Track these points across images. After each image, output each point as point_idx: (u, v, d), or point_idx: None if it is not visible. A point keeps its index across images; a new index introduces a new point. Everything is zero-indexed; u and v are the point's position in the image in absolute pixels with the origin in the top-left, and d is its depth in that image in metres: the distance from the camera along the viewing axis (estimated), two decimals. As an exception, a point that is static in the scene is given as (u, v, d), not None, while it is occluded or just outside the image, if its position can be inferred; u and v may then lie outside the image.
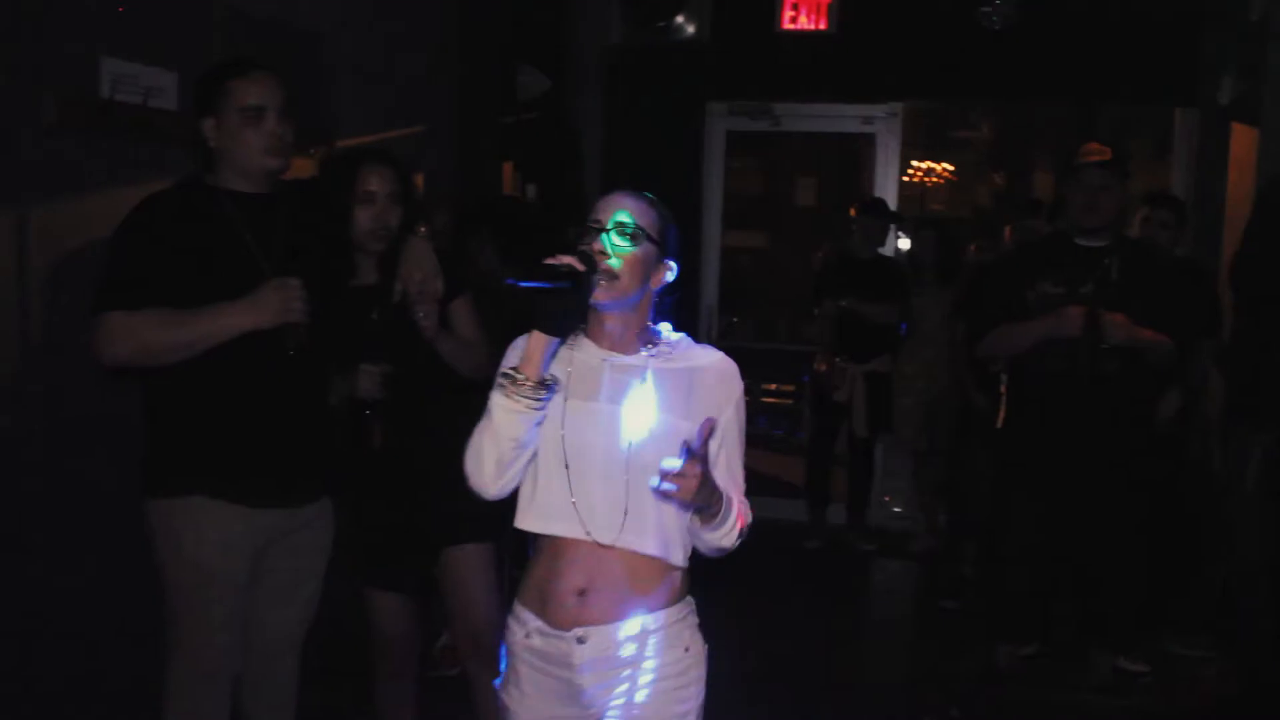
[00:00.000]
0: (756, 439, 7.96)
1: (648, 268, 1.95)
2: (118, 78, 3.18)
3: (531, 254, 1.90)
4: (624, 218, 1.92)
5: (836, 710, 4.01)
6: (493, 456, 1.90)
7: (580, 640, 1.91)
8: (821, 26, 6.29)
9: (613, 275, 1.88)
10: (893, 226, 6.20)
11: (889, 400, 5.78)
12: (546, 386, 1.87)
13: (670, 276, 2.01)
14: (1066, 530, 3.95)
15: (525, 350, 1.88)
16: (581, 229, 1.95)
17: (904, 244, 6.86)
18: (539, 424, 1.90)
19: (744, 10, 6.42)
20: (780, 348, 8.13)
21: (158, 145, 3.24)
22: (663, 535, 1.91)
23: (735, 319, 7.46)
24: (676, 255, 2.02)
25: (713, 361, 2.00)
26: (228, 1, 3.52)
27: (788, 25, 6.35)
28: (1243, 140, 5.21)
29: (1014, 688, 4.10)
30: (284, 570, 2.71)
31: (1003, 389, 4.62)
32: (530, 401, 1.86)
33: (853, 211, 5.98)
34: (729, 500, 1.89)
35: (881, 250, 6.07)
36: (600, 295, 1.88)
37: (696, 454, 1.75)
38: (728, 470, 1.95)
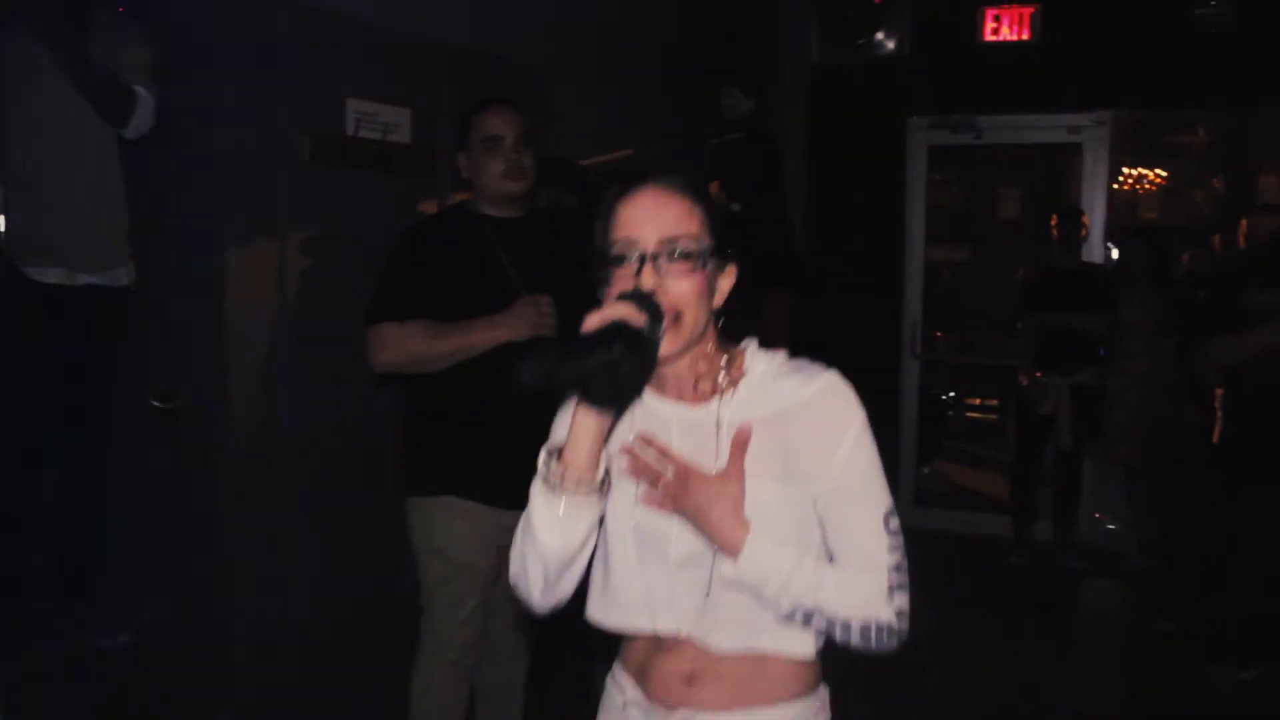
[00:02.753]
0: (957, 454, 7.93)
1: (711, 288, 1.53)
2: (361, 116, 3.53)
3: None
4: (671, 233, 1.48)
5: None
6: (538, 571, 1.54)
7: None
8: (1024, 37, 6.24)
9: (677, 314, 1.47)
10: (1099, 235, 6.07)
11: (1096, 414, 5.65)
12: (600, 486, 1.49)
13: (732, 284, 1.58)
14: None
15: (571, 436, 1.47)
16: (608, 258, 1.51)
17: (1112, 253, 6.69)
18: (595, 526, 1.53)
19: (945, 23, 6.42)
20: (983, 362, 8.03)
21: (395, 176, 3.57)
22: (750, 626, 1.54)
23: (940, 334, 7.41)
24: (737, 246, 1.58)
25: (812, 393, 1.52)
26: (452, 42, 3.83)
27: (989, 37, 6.32)
28: None
29: (1232, 710, 3.98)
30: None
31: (1218, 403, 4.50)
32: (577, 505, 1.48)
33: (1054, 220, 5.89)
34: (771, 551, 1.49)
35: (1089, 259, 5.95)
36: (668, 344, 1.47)
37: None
38: (839, 534, 1.53)
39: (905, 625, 1.51)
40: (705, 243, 1.49)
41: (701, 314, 1.50)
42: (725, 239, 1.54)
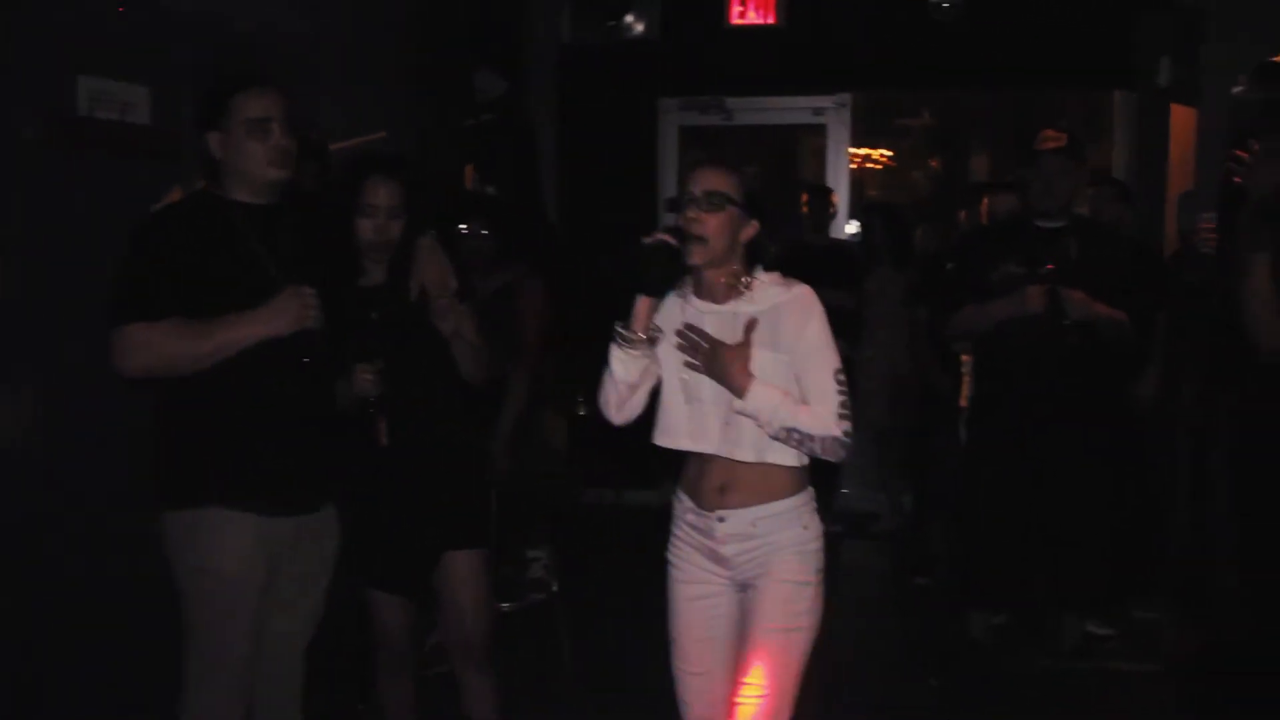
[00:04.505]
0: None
1: (735, 228, 2.36)
2: (95, 95, 3.21)
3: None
4: (710, 188, 2.33)
5: (818, 684, 4.12)
6: (614, 395, 2.44)
7: (721, 520, 2.41)
8: (770, 21, 6.42)
9: (703, 240, 2.29)
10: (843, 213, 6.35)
11: (848, 383, 5.88)
12: (651, 340, 2.39)
13: (755, 233, 2.40)
14: (1035, 501, 4.09)
15: (635, 309, 2.37)
16: (676, 200, 2.38)
17: (851, 229, 6.98)
18: (650, 366, 2.41)
19: (693, 6, 6.53)
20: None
21: (135, 160, 3.27)
22: (758, 444, 2.35)
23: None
24: (761, 213, 2.42)
25: (790, 296, 2.37)
26: (194, 14, 3.54)
27: (736, 20, 6.47)
28: (1182, 121, 5.41)
29: (988, 656, 4.26)
30: (292, 576, 2.74)
31: (965, 369, 4.79)
32: (636, 351, 2.38)
33: (804, 198, 6.10)
34: (766, 390, 2.28)
35: (834, 237, 6.20)
36: (695, 258, 2.31)
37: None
38: (807, 383, 2.33)
39: (848, 441, 2.34)
40: (730, 197, 2.33)
41: (722, 242, 2.33)
42: (752, 204, 2.39)
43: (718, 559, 2.45)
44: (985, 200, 4.78)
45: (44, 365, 3.04)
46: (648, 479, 6.18)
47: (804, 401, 2.33)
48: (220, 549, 2.57)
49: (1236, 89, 3.72)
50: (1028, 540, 4.14)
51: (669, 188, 6.84)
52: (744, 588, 2.46)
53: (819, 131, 7.00)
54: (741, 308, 2.38)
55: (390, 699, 3.15)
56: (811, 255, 5.93)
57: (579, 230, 6.61)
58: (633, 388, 2.43)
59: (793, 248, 6.10)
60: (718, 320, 2.39)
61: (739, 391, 2.29)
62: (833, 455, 2.34)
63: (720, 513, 2.41)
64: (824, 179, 6.69)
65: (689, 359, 2.37)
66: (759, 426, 2.31)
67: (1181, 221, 4.84)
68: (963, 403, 4.76)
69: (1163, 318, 4.39)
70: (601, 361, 2.42)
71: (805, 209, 6.07)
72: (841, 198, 6.58)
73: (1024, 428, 3.97)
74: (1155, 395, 4.54)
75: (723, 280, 2.40)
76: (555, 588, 4.22)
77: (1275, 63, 3.48)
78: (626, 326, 2.37)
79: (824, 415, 2.32)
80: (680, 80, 6.68)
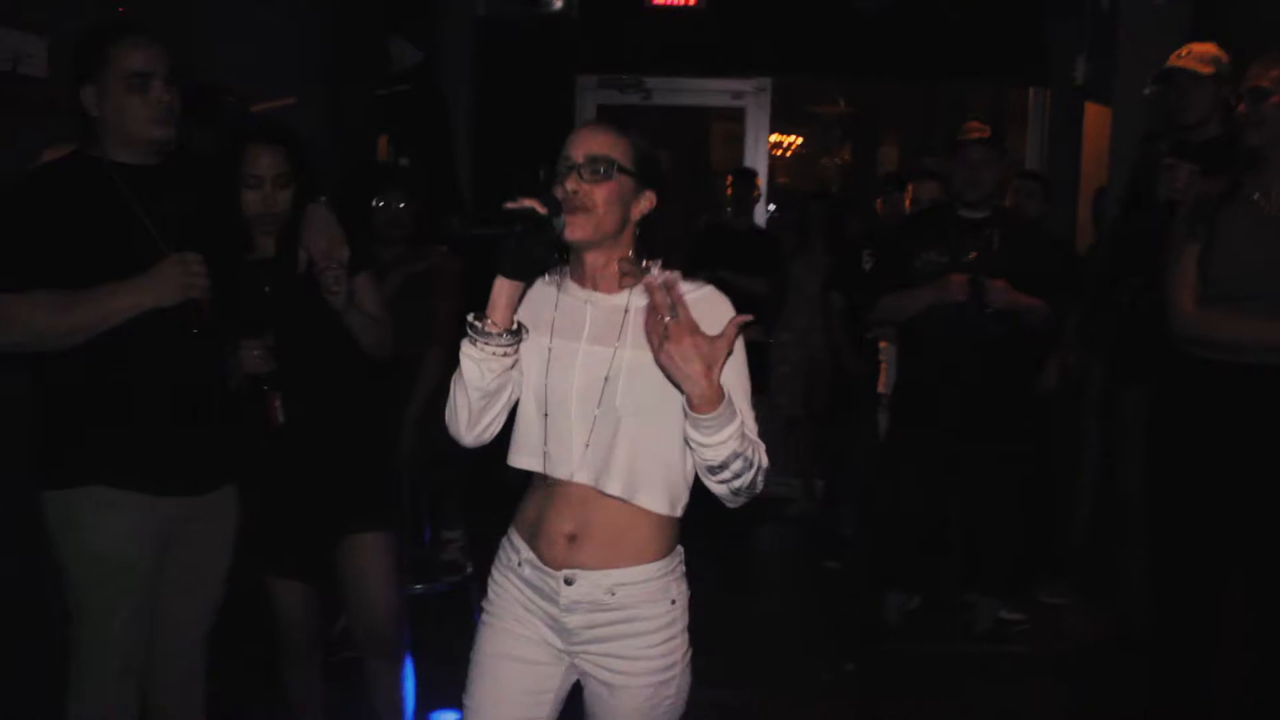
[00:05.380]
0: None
1: (625, 201, 1.90)
2: (-13, 45, 3.02)
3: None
4: (595, 152, 1.87)
5: (731, 668, 4.11)
6: (464, 407, 1.91)
7: (568, 582, 1.92)
8: (691, 2, 6.37)
9: (585, 210, 1.85)
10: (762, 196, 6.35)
11: (763, 368, 5.92)
12: (514, 334, 1.86)
13: (651, 206, 1.95)
14: (951, 487, 4.15)
15: (491, 296, 1.85)
16: (553, 168, 1.90)
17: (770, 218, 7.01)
18: (510, 370, 1.89)
19: (614, -15, 6.45)
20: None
21: (28, 116, 3.06)
22: (629, 477, 1.87)
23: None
24: (660, 184, 1.96)
25: (700, 295, 1.89)
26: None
27: (657, 0, 6.41)
28: (1096, 118, 5.53)
29: (902, 639, 4.30)
30: (188, 559, 2.61)
31: (881, 356, 4.83)
32: (496, 349, 1.85)
33: (729, 180, 6.08)
34: (730, 405, 1.74)
35: (753, 222, 6.20)
36: (573, 232, 1.85)
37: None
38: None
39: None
40: (620, 165, 1.88)
41: (610, 217, 1.88)
42: (648, 173, 1.93)
43: (557, 628, 1.97)
44: (910, 188, 4.81)
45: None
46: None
47: None
48: (103, 530, 2.43)
49: (1147, 90, 3.81)
50: (943, 525, 4.21)
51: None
52: (584, 675, 2.00)
53: (736, 116, 6.97)
54: (636, 301, 1.90)
55: (294, 688, 3.04)
56: (733, 239, 5.93)
57: (491, 206, 6.48)
58: (488, 396, 1.90)
59: (714, 231, 6.09)
60: (603, 315, 1.93)
61: (709, 401, 1.71)
62: (752, 493, 1.83)
63: (569, 571, 1.91)
64: (742, 164, 6.67)
65: (651, 327, 1.75)
66: (702, 452, 1.76)
67: (1101, 214, 4.94)
68: (880, 388, 4.79)
69: (1074, 309, 4.48)
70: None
71: (729, 191, 6.04)
72: (762, 183, 6.56)
73: (944, 413, 4.01)
74: (1056, 385, 4.64)
75: (610, 265, 1.94)
76: (470, 569, 4.14)
77: (1171, 66, 3.61)
78: (481, 318, 1.86)
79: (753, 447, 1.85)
80: (599, 58, 6.59)
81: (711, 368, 1.68)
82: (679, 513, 1.95)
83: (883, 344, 4.79)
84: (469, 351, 1.86)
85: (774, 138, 9.99)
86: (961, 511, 4.22)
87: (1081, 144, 5.72)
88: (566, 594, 1.92)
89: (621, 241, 1.93)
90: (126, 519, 2.43)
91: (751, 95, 6.67)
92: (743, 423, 1.78)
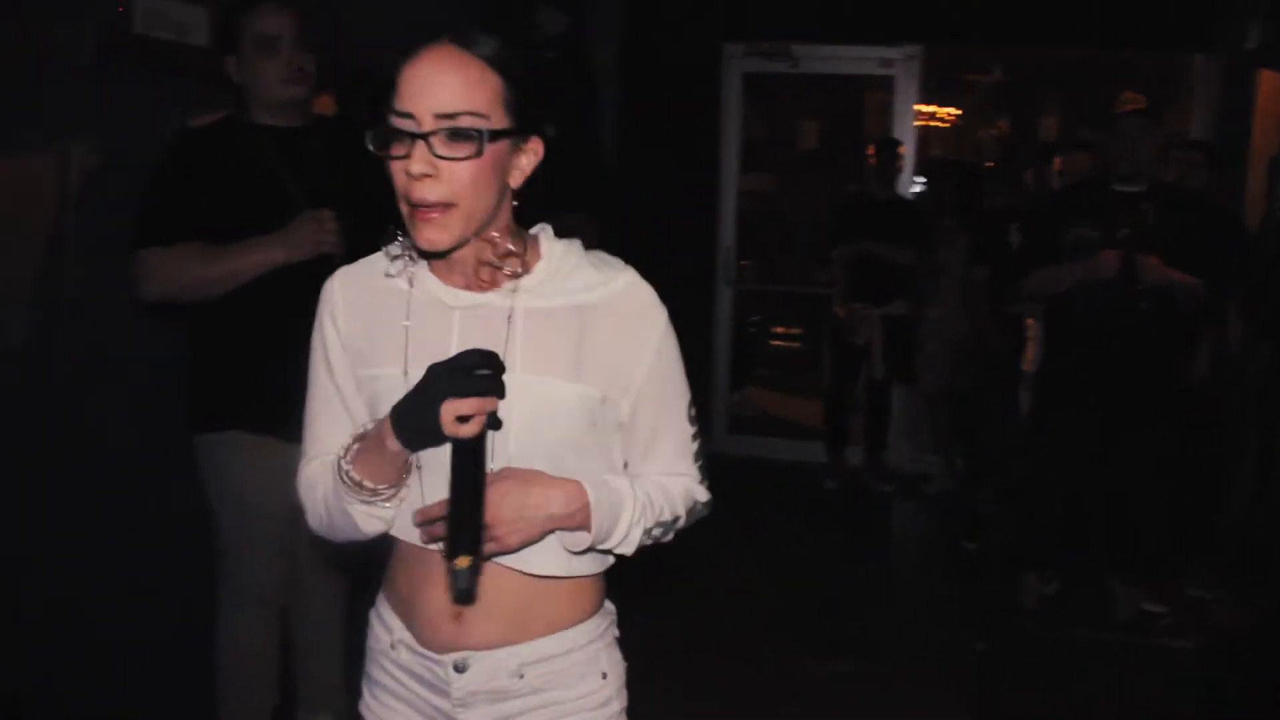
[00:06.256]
0: (765, 380, 8.07)
1: (501, 168, 1.34)
2: (150, 14, 3.16)
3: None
4: (450, 108, 1.29)
5: (863, 644, 4.10)
6: (351, 536, 1.47)
7: (459, 668, 1.45)
8: (842, -34, 6.24)
9: (444, 203, 1.31)
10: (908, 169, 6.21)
11: (906, 343, 5.82)
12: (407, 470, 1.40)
13: (537, 160, 1.39)
14: (1100, 469, 4.01)
15: (377, 456, 1.35)
16: (382, 131, 1.32)
17: (918, 190, 6.84)
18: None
19: (763, -50, 6.36)
20: (789, 290, 8.17)
21: (190, 81, 3.21)
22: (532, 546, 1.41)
23: (744, 263, 7.45)
24: (548, 122, 1.43)
25: (615, 291, 1.41)
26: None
27: (807, -35, 6.29)
28: (1271, 85, 5.21)
29: (1037, 623, 4.19)
30: None
31: (1028, 333, 4.68)
32: (379, 504, 1.41)
33: (871, 151, 5.97)
34: (619, 495, 1.39)
35: (900, 192, 6.08)
36: (429, 239, 1.32)
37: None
38: (650, 440, 1.47)
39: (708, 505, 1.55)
40: (496, 119, 1.31)
41: (481, 204, 1.33)
42: (530, 108, 1.36)
43: None
44: (1057, 160, 4.63)
45: (89, 287, 3.01)
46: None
47: (645, 460, 1.48)
48: (242, 473, 2.58)
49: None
50: (1089, 508, 4.07)
51: (732, 135, 6.71)
52: None
53: (886, 85, 6.82)
54: (520, 301, 1.39)
55: None
56: (876, 209, 5.83)
57: (637, 177, 6.52)
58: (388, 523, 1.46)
59: (857, 201, 5.99)
60: (477, 325, 1.39)
61: (574, 521, 1.36)
62: (695, 521, 1.53)
63: (458, 655, 1.45)
64: (890, 134, 6.52)
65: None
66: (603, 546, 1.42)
67: (1275, 186, 4.67)
68: (1026, 366, 4.66)
69: (1240, 286, 4.26)
70: None
71: (873, 161, 5.93)
72: (909, 153, 6.41)
73: (1091, 395, 3.88)
74: (1213, 368, 4.42)
75: (486, 254, 1.39)
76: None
77: None
78: (356, 473, 1.38)
79: (684, 481, 1.50)
80: (746, 25, 6.52)
81: (535, 512, 1.33)
82: (600, 565, 1.51)
83: (1029, 321, 4.64)
84: (352, 507, 1.41)
85: (929, 108, 9.77)
86: (1106, 496, 4.07)
87: (1253, 113, 5.40)
88: (459, 684, 1.45)
89: (499, 218, 1.39)
90: (263, 463, 2.56)
91: (900, 63, 6.50)
92: (648, 495, 1.43)
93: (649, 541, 1.45)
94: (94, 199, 2.95)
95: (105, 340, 2.95)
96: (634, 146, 6.60)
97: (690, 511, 1.50)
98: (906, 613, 4.50)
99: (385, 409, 1.35)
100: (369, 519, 1.42)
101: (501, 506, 1.31)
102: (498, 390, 1.27)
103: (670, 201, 6.43)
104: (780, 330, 8.72)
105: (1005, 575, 4.39)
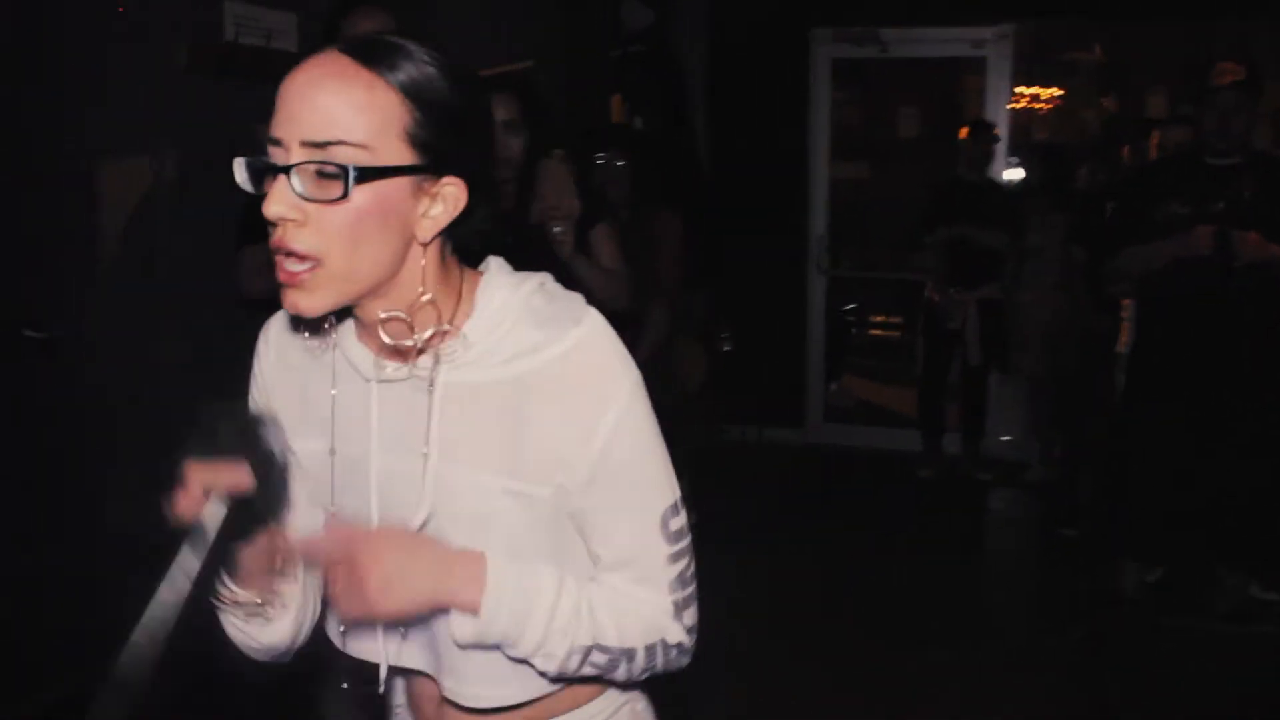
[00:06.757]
0: (861, 369, 7.99)
1: (392, 216, 1.03)
2: (241, 21, 3.28)
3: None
4: (317, 135, 0.99)
5: (958, 633, 4.04)
6: (262, 654, 1.25)
7: None
8: (930, -53, 6.15)
9: (302, 257, 1.04)
10: (1002, 152, 6.09)
11: (1001, 328, 5.72)
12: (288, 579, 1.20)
13: (459, 206, 1.07)
14: (1199, 453, 3.88)
15: (243, 566, 1.14)
16: (257, 162, 1.07)
17: (1013, 173, 6.70)
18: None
19: (850, -67, 6.30)
20: (885, 277, 8.07)
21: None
22: (518, 672, 1.16)
23: (835, 260, 7.39)
24: (477, 156, 1.10)
25: (557, 355, 1.09)
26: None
27: (894, -53, 6.21)
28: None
29: (1138, 611, 4.09)
30: None
31: (1124, 313, 4.55)
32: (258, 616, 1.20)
33: (963, 133, 5.88)
34: (534, 582, 1.10)
35: (992, 175, 5.97)
36: (292, 300, 1.06)
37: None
38: (612, 545, 1.15)
39: (694, 639, 1.20)
40: (385, 153, 1.00)
41: (363, 263, 1.03)
42: (447, 141, 1.04)
43: None
44: (1155, 135, 4.50)
45: (192, 287, 3.14)
46: (791, 417, 6.13)
47: (603, 576, 1.16)
48: None
49: None
50: (1189, 493, 3.94)
51: (821, 123, 6.66)
52: None
53: (980, 67, 6.68)
54: (453, 374, 1.11)
55: None
56: (970, 193, 5.73)
57: (727, 167, 6.52)
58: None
59: (950, 185, 5.90)
60: (398, 400, 1.14)
61: (461, 606, 1.08)
62: (665, 668, 1.19)
63: None
64: (983, 117, 6.40)
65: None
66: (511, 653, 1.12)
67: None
68: (1120, 347, 4.53)
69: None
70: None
71: (966, 144, 5.83)
72: (1002, 135, 6.28)
73: (1188, 376, 3.77)
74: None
75: (414, 312, 1.10)
76: (693, 521, 4.21)
77: None
78: (240, 591, 1.17)
79: (648, 607, 1.15)
80: (834, 10, 6.46)
81: (420, 579, 1.06)
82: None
83: (1125, 300, 4.52)
84: (237, 625, 1.20)
85: (1030, 90, 9.54)
86: (1209, 481, 3.94)
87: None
88: None
89: (407, 277, 1.08)
90: None
91: (992, 43, 6.37)
92: (589, 603, 1.12)
93: (589, 670, 1.13)
94: (188, 200, 3.10)
95: (199, 336, 3.09)
96: (724, 137, 6.61)
97: (652, 650, 1.15)
98: (1003, 600, 4.43)
99: (319, 494, 1.18)
100: (260, 631, 1.24)
101: (382, 562, 1.04)
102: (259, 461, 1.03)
103: (761, 191, 6.42)
104: (879, 319, 8.62)
105: (1105, 562, 4.29)
